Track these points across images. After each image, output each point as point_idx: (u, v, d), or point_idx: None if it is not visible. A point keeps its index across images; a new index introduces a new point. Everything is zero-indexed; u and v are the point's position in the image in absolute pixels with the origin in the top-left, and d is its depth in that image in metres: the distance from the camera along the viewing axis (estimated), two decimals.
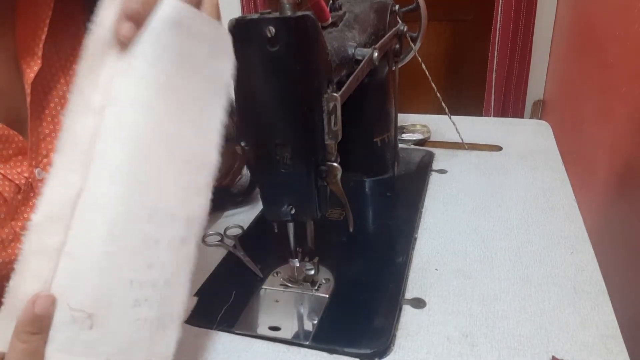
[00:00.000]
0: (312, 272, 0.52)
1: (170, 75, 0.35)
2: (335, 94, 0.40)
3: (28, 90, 0.44)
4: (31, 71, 0.44)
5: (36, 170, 0.46)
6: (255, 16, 0.38)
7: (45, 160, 0.46)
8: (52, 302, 0.32)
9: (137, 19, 0.33)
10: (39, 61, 0.44)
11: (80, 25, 0.50)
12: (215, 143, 0.39)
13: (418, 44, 0.76)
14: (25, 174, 0.45)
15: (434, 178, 0.76)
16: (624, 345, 0.44)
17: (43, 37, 0.44)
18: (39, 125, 0.46)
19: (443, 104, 0.78)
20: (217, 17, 0.37)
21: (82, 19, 0.50)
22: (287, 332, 0.48)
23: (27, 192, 0.45)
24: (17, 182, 0.44)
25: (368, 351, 0.45)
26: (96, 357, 0.33)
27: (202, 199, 0.38)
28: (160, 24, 0.34)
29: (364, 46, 0.51)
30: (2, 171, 0.43)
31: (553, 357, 0.43)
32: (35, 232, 0.33)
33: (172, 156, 0.36)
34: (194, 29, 0.36)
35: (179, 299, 0.38)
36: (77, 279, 0.33)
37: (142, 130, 0.34)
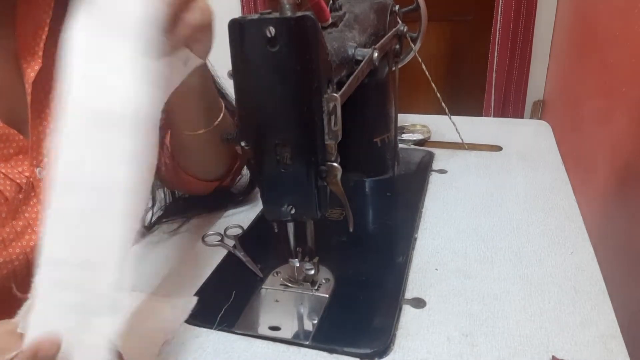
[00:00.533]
0: (312, 272, 0.52)
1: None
2: (335, 94, 0.40)
3: (29, 89, 0.44)
4: (32, 71, 0.44)
5: (37, 170, 0.46)
6: (255, 16, 0.38)
7: (46, 160, 0.47)
8: (57, 348, 0.31)
9: None
10: (40, 61, 0.44)
11: None
12: (134, 92, 0.33)
13: (418, 44, 0.76)
14: (27, 173, 0.45)
15: (434, 178, 0.76)
16: (624, 345, 0.44)
17: (44, 36, 0.44)
18: (40, 124, 0.46)
19: (443, 104, 0.78)
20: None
21: None
22: (287, 332, 0.48)
23: (28, 192, 0.45)
24: (18, 181, 0.44)
25: (368, 351, 0.45)
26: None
27: (126, 165, 0.32)
28: None
29: (364, 46, 0.51)
30: (3, 170, 0.43)
31: (553, 357, 0.43)
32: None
33: (81, 118, 0.32)
34: None
35: (106, 280, 0.33)
36: None
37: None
